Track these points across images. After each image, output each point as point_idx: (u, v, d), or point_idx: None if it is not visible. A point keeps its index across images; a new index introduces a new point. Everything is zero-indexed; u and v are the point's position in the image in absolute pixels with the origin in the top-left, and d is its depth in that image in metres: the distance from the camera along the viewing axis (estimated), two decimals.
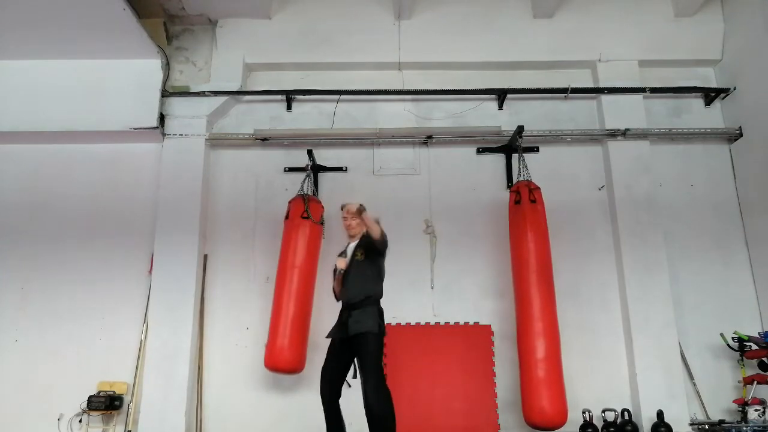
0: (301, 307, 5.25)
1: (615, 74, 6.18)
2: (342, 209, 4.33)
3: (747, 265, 5.83)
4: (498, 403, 5.31)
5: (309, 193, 5.71)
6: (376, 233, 4.08)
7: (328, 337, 4.20)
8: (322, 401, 4.11)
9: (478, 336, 5.53)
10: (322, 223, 5.59)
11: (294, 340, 5.14)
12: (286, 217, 5.55)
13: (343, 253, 4.31)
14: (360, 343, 4.00)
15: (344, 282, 4.20)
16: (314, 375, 5.31)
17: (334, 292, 4.31)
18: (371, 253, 4.18)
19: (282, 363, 5.14)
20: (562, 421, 4.87)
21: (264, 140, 6.06)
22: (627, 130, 5.98)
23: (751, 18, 5.90)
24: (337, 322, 4.19)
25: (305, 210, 5.44)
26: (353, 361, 4.07)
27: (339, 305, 4.27)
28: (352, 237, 4.33)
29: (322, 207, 5.65)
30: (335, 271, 4.23)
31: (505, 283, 5.60)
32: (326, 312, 5.25)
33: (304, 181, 5.76)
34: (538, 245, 5.26)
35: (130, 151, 6.09)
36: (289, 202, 5.61)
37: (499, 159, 6.16)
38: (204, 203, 5.91)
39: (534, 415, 4.89)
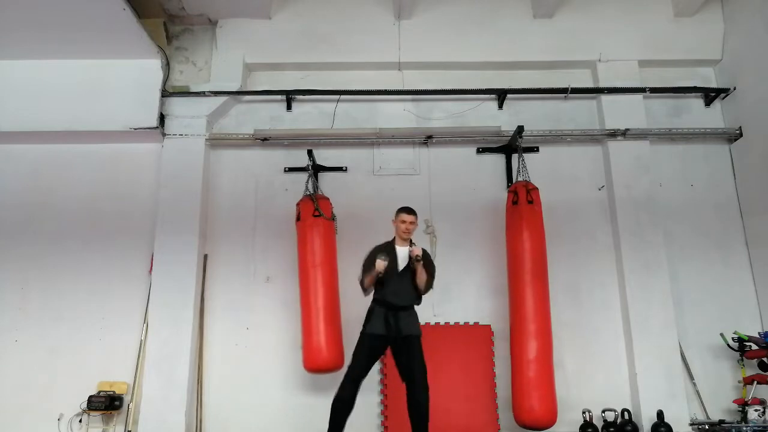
0: (331, 304, 5.24)
1: (615, 74, 6.18)
2: (404, 212, 4.50)
3: (747, 265, 5.83)
4: (498, 402, 5.31)
5: (311, 192, 5.71)
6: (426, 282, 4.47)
7: (374, 333, 4.26)
8: (343, 399, 4.19)
9: (478, 336, 5.54)
10: (334, 219, 5.58)
11: (330, 337, 5.13)
12: (298, 219, 5.52)
13: (387, 253, 4.39)
14: (413, 344, 4.30)
15: (393, 282, 4.35)
16: (313, 375, 5.36)
17: (363, 284, 4.44)
18: (429, 267, 4.48)
19: (322, 362, 5.11)
20: (552, 421, 4.88)
21: (264, 140, 6.06)
22: (627, 130, 5.98)
23: (751, 18, 5.90)
24: (379, 320, 4.28)
25: (316, 208, 5.43)
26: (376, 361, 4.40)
27: (368, 297, 4.37)
28: (404, 241, 4.50)
29: (331, 203, 5.64)
30: (375, 268, 4.29)
31: (505, 284, 5.58)
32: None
33: (307, 181, 5.75)
34: (534, 246, 5.26)
35: (130, 151, 6.09)
36: (297, 204, 5.58)
37: (499, 159, 6.16)
38: (204, 203, 5.91)
39: (523, 415, 4.90)
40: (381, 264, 4.27)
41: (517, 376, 5.01)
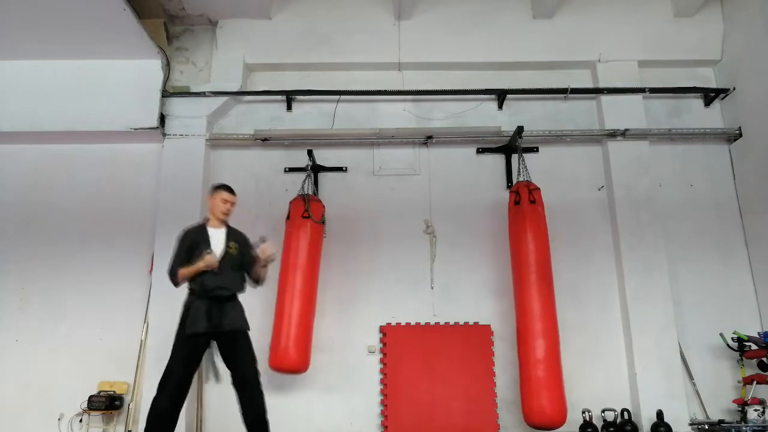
0: (305, 307, 5.23)
1: (615, 74, 6.18)
2: (225, 190, 4.22)
3: (747, 265, 5.83)
4: (498, 402, 5.31)
5: (309, 193, 5.72)
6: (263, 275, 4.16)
7: (196, 333, 3.86)
8: (163, 411, 3.78)
9: (478, 336, 5.53)
10: (323, 223, 5.59)
11: (298, 340, 5.12)
12: (288, 218, 5.54)
13: (201, 237, 4.09)
14: (240, 340, 3.98)
15: (215, 271, 3.96)
16: (315, 375, 5.38)
17: (175, 278, 3.99)
18: (246, 253, 4.15)
19: (287, 363, 5.11)
20: (562, 420, 4.87)
21: (264, 140, 6.06)
22: (627, 130, 5.98)
23: (751, 18, 5.90)
24: (200, 316, 3.88)
25: (306, 210, 5.44)
26: (201, 361, 3.97)
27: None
28: (220, 222, 4.22)
29: (323, 206, 5.65)
30: (201, 257, 3.94)
31: (505, 283, 5.60)
32: (329, 311, 5.28)
33: (304, 182, 5.76)
34: (538, 246, 5.25)
35: (130, 151, 6.09)
36: (290, 203, 5.61)
37: (499, 159, 6.16)
38: (204, 203, 5.87)
39: (534, 415, 4.88)
40: (212, 260, 3.88)
41: (526, 376, 4.98)
